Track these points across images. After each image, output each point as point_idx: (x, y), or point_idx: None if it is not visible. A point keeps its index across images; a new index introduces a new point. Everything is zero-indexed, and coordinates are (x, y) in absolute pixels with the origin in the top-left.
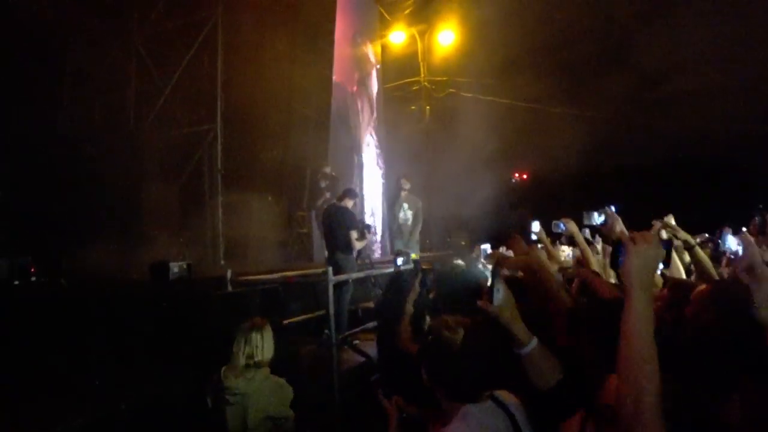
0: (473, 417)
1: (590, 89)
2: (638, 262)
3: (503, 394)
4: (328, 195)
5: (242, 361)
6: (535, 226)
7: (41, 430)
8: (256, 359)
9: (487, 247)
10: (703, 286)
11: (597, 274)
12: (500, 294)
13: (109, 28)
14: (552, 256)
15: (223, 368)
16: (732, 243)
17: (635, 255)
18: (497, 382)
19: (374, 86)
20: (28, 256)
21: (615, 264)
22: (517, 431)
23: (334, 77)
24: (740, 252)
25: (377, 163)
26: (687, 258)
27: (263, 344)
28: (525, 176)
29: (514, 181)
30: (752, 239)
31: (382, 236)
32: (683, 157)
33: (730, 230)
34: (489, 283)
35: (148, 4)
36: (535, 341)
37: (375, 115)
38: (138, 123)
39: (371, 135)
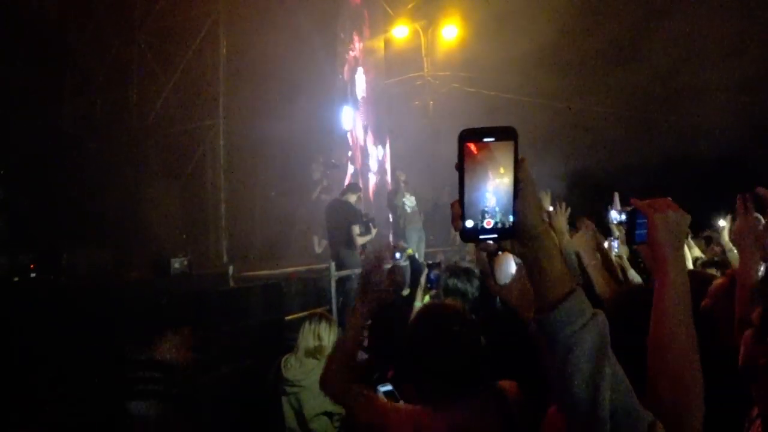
0: None
1: (596, 86)
2: (667, 229)
3: (506, 386)
4: (325, 183)
5: (305, 352)
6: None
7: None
8: (320, 351)
9: None
10: (721, 279)
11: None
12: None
13: (111, 23)
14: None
15: (285, 357)
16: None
17: (662, 222)
18: (497, 374)
19: (360, 84)
20: (29, 253)
21: (632, 239)
22: (510, 429)
23: None
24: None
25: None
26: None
27: (329, 336)
28: None
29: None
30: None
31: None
32: (689, 154)
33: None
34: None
35: None
36: None
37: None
38: (140, 119)
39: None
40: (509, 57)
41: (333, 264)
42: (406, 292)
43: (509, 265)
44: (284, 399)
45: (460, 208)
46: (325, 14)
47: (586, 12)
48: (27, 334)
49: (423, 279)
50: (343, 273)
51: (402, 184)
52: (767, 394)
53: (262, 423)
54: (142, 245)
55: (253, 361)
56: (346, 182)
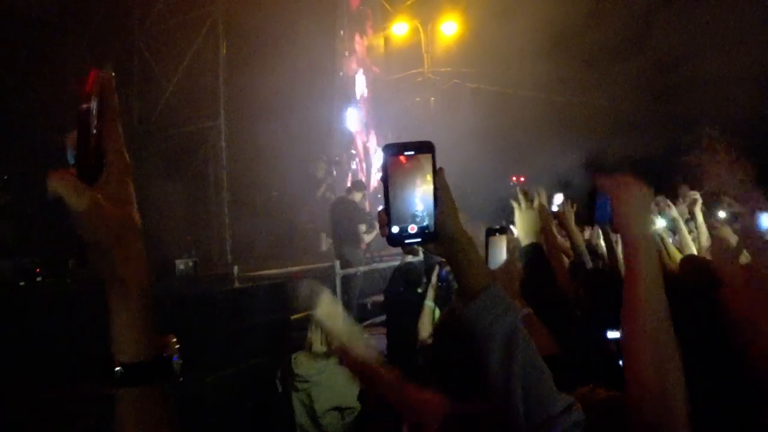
0: None
1: (596, 78)
2: (633, 206)
3: None
4: (330, 181)
5: (315, 348)
6: (558, 198)
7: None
8: (329, 347)
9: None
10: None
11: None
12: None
13: (110, 26)
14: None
15: (294, 354)
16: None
17: (627, 199)
18: None
19: (360, 83)
20: (34, 257)
21: (592, 217)
22: None
23: None
24: None
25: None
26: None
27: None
28: (522, 178)
29: (513, 182)
30: None
31: None
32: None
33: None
34: None
35: (149, 1)
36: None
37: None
38: (142, 122)
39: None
40: (510, 51)
41: (337, 262)
42: (421, 289)
43: (502, 251)
44: (294, 395)
45: (386, 216)
46: (325, 13)
47: (588, 4)
48: (32, 337)
49: (434, 277)
50: (348, 271)
51: None
52: None
53: (271, 421)
54: (147, 247)
55: (259, 360)
56: (349, 180)
